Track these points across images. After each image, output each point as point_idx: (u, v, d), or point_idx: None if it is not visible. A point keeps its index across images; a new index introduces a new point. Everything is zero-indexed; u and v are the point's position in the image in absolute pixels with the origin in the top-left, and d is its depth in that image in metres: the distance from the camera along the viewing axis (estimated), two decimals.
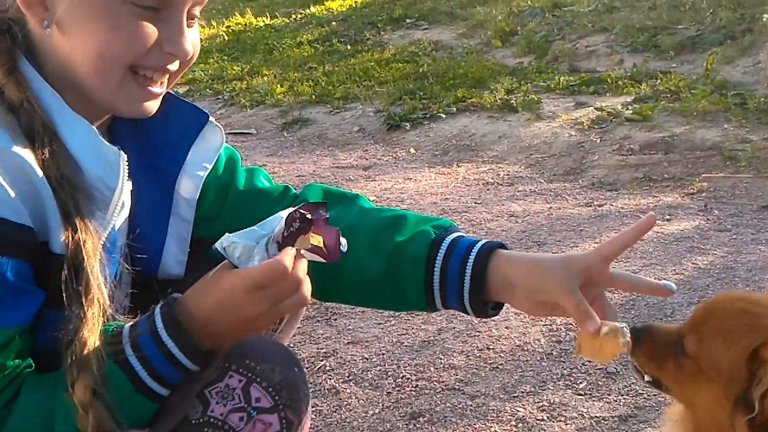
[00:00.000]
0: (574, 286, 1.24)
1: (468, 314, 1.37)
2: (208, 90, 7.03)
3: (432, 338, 2.61)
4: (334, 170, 4.70)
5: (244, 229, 1.10)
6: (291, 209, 1.11)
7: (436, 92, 5.84)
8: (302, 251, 1.10)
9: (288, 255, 1.07)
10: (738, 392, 1.07)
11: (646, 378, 1.23)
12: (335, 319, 2.78)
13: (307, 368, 2.47)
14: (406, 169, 4.62)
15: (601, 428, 2.07)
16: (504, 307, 1.38)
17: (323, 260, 1.12)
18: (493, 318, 1.43)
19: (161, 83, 1.24)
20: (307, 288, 1.10)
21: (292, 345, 1.47)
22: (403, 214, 1.41)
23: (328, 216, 1.12)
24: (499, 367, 2.42)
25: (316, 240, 1.10)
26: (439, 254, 1.34)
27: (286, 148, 5.35)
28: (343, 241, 1.13)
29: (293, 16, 10.25)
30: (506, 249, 1.35)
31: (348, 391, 2.36)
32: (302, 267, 1.09)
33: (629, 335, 1.16)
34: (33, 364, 1.12)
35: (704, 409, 1.12)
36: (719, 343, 1.12)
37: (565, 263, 1.28)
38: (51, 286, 1.11)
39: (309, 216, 1.09)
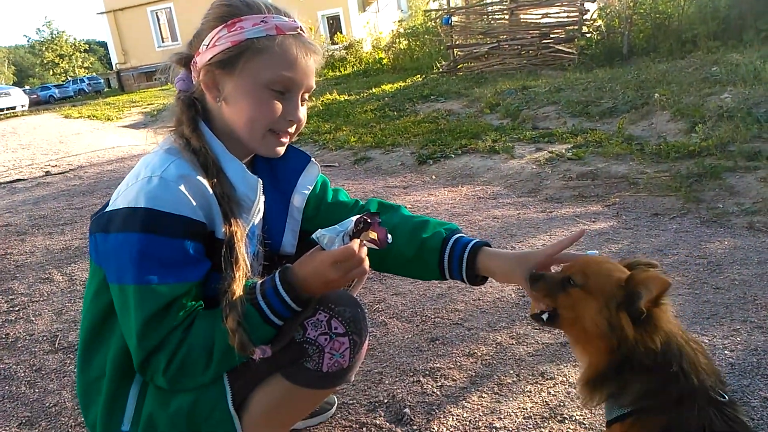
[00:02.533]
0: (526, 276, 1.24)
1: (465, 283, 1.37)
2: (309, 139, 7.07)
3: (444, 292, 2.60)
4: (385, 189, 4.70)
5: (330, 227, 1.12)
6: (358, 216, 1.12)
7: (448, 141, 5.81)
8: (364, 242, 1.12)
9: (356, 243, 1.09)
10: (618, 303, 1.08)
11: (544, 317, 1.20)
12: (385, 280, 2.79)
13: (367, 309, 2.49)
14: (429, 188, 4.59)
15: (548, 350, 2.05)
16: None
17: (376, 247, 1.14)
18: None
19: (286, 136, 1.26)
20: (366, 263, 1.11)
21: (358, 296, 1.48)
22: (427, 220, 1.42)
23: (380, 220, 1.14)
24: (486, 311, 2.40)
25: (373, 235, 1.12)
26: (447, 246, 1.36)
27: (357, 175, 5.36)
28: (389, 236, 1.14)
29: (362, 94, 10.28)
30: (489, 246, 1.35)
31: (392, 323, 2.37)
32: (364, 251, 1.11)
33: None
34: (203, 304, 1.15)
35: (590, 318, 1.11)
36: (603, 276, 1.12)
37: (524, 260, 1.28)
38: (215, 258, 1.13)
39: (369, 220, 1.11)
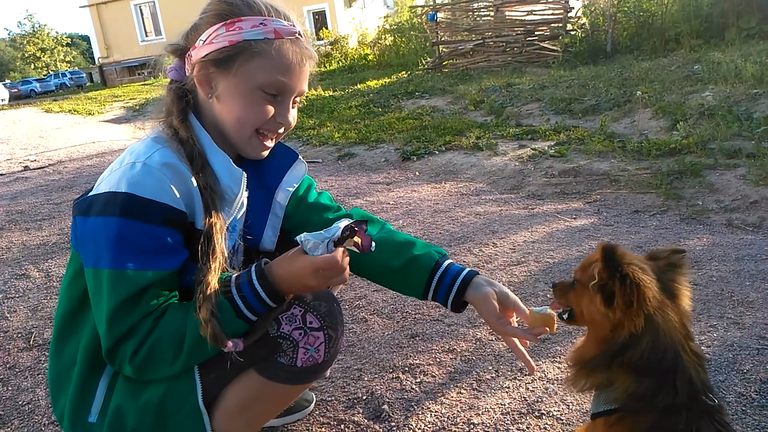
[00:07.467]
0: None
1: (446, 309, 1.40)
2: (293, 135, 7.02)
3: None
4: (369, 185, 4.68)
5: (316, 232, 1.11)
6: (347, 221, 1.12)
7: (432, 138, 5.81)
8: (348, 248, 1.11)
9: (339, 253, 1.08)
10: (595, 285, 1.11)
11: (564, 316, 1.23)
12: None
13: (347, 306, 2.48)
14: (413, 185, 4.59)
15: (527, 347, 2.05)
16: None
17: (359, 251, 1.13)
18: None
19: (272, 139, 1.28)
20: (347, 273, 1.11)
21: (339, 291, 1.47)
22: (415, 240, 1.43)
23: (366, 228, 1.13)
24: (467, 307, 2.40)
25: (358, 240, 1.11)
26: (439, 270, 1.37)
27: (340, 171, 5.33)
28: (373, 245, 1.14)
29: (347, 90, 10.26)
30: (479, 275, 1.37)
31: (372, 320, 2.36)
32: (347, 260, 1.11)
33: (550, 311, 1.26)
34: (178, 295, 1.14)
35: (587, 308, 1.14)
36: (588, 265, 1.15)
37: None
38: (193, 248, 1.13)
39: (356, 228, 1.10)
